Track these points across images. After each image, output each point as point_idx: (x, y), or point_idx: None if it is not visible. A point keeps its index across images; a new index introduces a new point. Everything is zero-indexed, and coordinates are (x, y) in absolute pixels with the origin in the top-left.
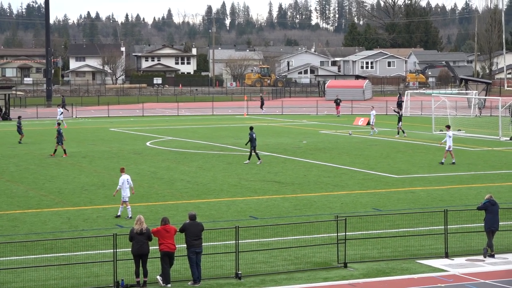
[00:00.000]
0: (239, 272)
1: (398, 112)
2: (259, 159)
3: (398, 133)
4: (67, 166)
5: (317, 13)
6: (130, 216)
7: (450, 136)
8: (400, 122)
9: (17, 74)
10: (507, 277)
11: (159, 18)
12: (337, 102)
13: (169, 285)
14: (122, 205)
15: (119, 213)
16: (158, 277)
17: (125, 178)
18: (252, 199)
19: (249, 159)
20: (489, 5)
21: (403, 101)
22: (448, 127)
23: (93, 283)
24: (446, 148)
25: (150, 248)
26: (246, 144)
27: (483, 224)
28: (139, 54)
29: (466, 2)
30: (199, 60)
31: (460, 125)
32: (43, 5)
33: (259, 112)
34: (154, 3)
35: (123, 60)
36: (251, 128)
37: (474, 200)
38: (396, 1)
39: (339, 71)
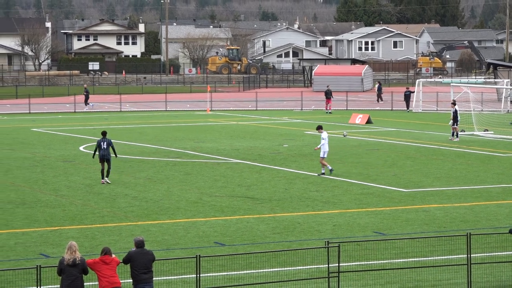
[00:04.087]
0: None
1: (454, 109)
2: (103, 177)
3: (457, 136)
4: None
5: None
6: None
7: (324, 139)
8: (455, 122)
9: None
10: None
11: None
12: (328, 94)
13: None
14: None
15: None
16: None
17: None
18: (217, 220)
19: (107, 176)
20: None
21: (412, 92)
22: (320, 127)
23: None
24: (322, 155)
25: (85, 284)
26: (93, 157)
27: None
28: (70, 31)
29: None
30: (148, 40)
31: (487, 124)
32: None
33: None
34: None
35: (48, 39)
36: (104, 134)
37: (506, 221)
38: None
39: (330, 53)
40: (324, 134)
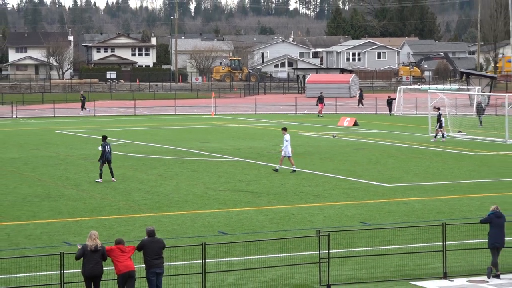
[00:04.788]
0: None
1: (438, 113)
2: (101, 176)
3: (443, 136)
4: (6, 174)
5: None
6: None
7: (287, 140)
8: (438, 124)
9: None
10: None
11: (112, 3)
12: (320, 100)
13: None
14: None
15: None
16: None
17: None
18: (221, 212)
19: (112, 175)
20: None
21: (394, 99)
22: (285, 129)
23: None
24: (283, 154)
25: (104, 269)
26: (99, 160)
27: (486, 240)
28: (90, 44)
29: None
30: (160, 51)
31: (460, 126)
32: None
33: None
34: None
35: (71, 51)
36: (104, 138)
37: (477, 212)
38: None
39: (321, 63)
40: (287, 136)
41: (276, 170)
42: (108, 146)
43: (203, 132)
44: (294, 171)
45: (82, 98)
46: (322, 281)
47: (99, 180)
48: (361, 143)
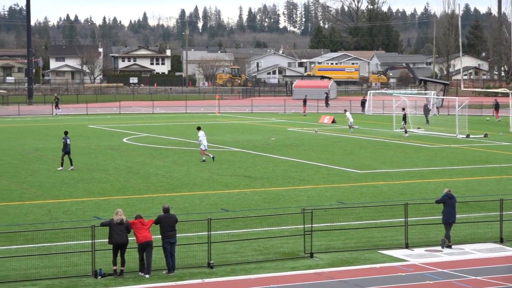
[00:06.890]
0: (211, 262)
1: (404, 113)
2: (62, 165)
3: (406, 132)
4: (48, 161)
5: (284, 17)
6: None
7: (200, 136)
8: (404, 121)
9: None
10: (463, 267)
11: (135, 21)
12: (305, 102)
13: (147, 276)
14: None
15: None
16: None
17: None
18: (223, 193)
19: (62, 165)
20: (446, 11)
21: (366, 100)
22: (199, 128)
23: (72, 272)
24: (202, 148)
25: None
26: (63, 151)
27: (441, 217)
28: (116, 54)
29: (425, 7)
30: (173, 61)
31: (419, 124)
32: (25, 8)
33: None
34: (130, 7)
35: (100, 61)
36: (66, 133)
37: (433, 194)
38: (359, 6)
39: (305, 72)
40: (201, 133)
41: (213, 158)
42: (68, 139)
43: (209, 127)
44: (204, 160)
45: (56, 100)
46: (306, 250)
47: (60, 168)
48: (338, 137)
